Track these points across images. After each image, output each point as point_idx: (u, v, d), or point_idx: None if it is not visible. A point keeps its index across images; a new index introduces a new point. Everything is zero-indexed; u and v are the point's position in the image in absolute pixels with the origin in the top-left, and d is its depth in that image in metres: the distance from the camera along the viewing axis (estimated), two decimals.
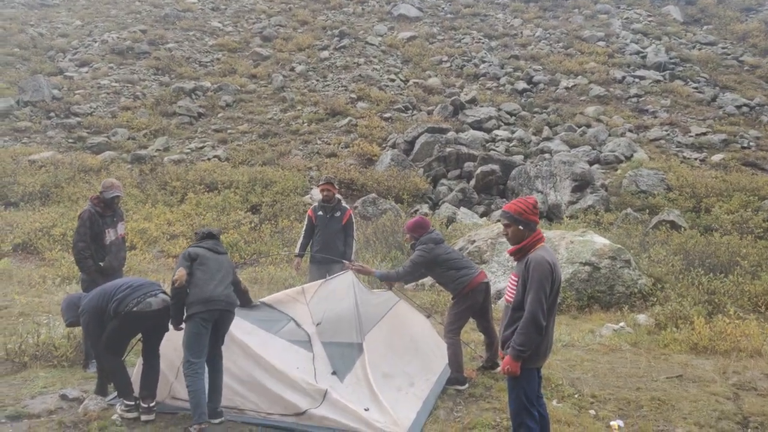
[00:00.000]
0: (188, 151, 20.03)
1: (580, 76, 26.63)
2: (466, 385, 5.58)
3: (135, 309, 4.61)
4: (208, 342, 4.71)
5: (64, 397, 5.02)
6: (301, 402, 4.61)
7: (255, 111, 23.31)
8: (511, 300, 3.87)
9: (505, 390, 5.47)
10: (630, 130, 21.76)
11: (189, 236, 12.68)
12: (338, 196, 7.57)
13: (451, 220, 14.33)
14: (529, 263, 3.73)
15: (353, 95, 24.59)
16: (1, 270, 10.40)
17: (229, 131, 21.75)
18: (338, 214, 7.34)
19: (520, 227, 3.84)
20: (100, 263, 5.78)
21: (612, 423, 4.94)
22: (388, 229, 11.89)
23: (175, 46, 28.90)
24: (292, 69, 27.28)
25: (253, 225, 13.62)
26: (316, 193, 15.12)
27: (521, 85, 26.02)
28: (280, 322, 5.36)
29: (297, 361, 4.94)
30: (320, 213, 7.36)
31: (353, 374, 4.99)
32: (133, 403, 4.69)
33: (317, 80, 26.36)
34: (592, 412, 5.16)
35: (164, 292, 4.89)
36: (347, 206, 7.61)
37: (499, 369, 3.67)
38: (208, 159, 18.95)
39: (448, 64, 28.65)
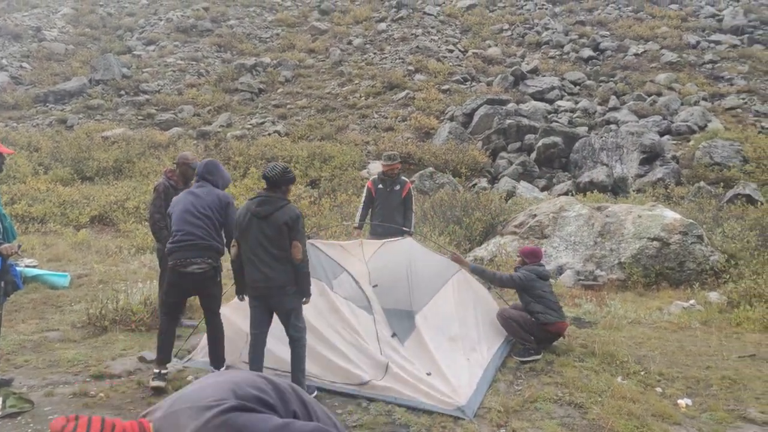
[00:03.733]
0: (249, 126, 20.53)
1: (650, 42, 25.31)
2: (541, 355, 5.59)
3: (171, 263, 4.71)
4: (271, 318, 4.67)
5: (142, 359, 5.33)
6: (364, 375, 4.72)
7: (313, 86, 23.52)
8: None
9: (567, 365, 5.42)
10: (704, 99, 20.59)
11: None
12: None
13: (510, 195, 14.08)
14: None
15: (410, 67, 24.36)
16: (80, 240, 11.09)
17: (288, 106, 22.09)
18: (398, 187, 7.27)
19: None
20: None
21: (680, 401, 4.79)
22: (446, 204, 11.80)
23: (236, 23, 29.43)
24: (350, 42, 27.25)
25: (312, 199, 13.87)
26: (373, 168, 15.15)
27: (587, 52, 25.00)
28: (334, 270, 5.39)
29: (359, 325, 5.03)
30: (380, 186, 7.30)
31: (413, 338, 5.05)
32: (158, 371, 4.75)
33: (374, 53, 26.24)
34: (659, 389, 5.02)
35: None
36: (406, 179, 7.54)
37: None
38: (269, 134, 19.36)
39: (509, 33, 27.82)
